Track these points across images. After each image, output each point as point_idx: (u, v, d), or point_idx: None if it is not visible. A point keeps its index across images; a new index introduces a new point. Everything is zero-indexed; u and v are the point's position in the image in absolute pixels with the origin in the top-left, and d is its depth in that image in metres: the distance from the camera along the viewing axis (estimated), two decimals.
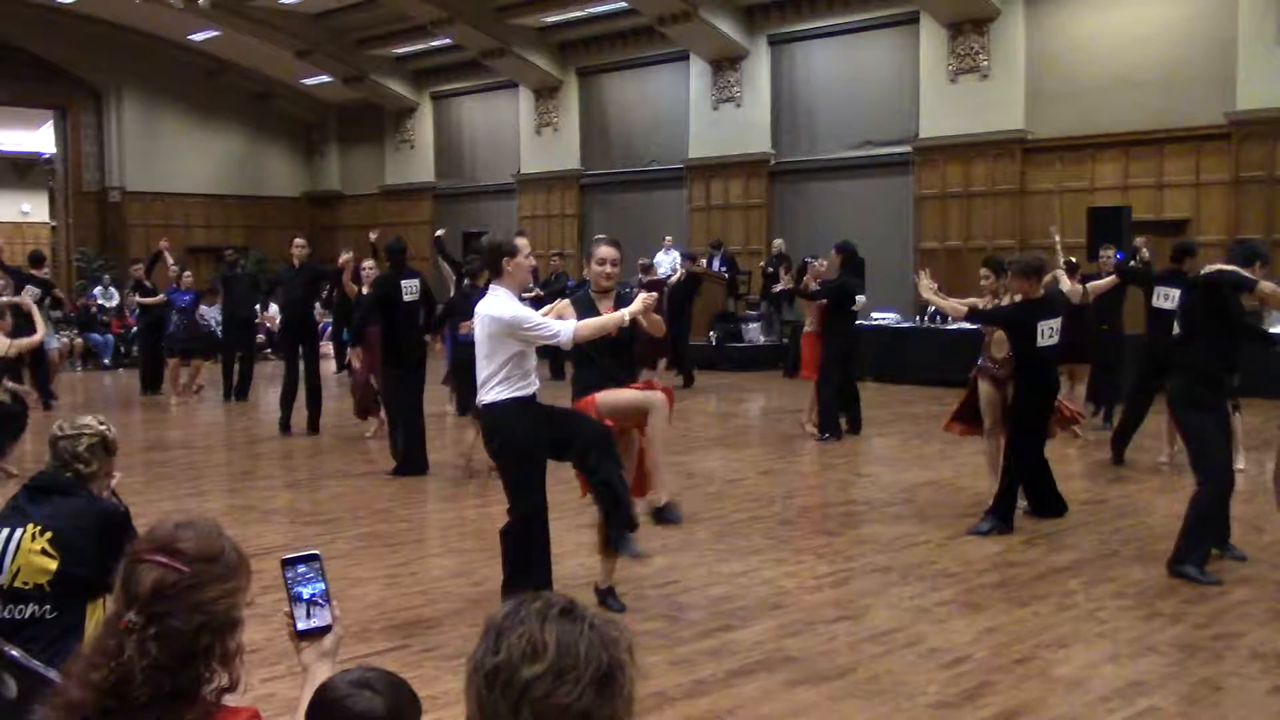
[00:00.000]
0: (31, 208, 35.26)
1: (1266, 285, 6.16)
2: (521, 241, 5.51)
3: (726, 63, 20.64)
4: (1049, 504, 7.76)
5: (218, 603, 2.02)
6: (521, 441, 5.44)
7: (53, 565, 3.51)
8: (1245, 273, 6.25)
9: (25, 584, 3.52)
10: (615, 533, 5.52)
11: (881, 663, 5.03)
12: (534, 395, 5.49)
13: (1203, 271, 6.64)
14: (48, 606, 3.50)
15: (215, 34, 24.56)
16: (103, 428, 3.88)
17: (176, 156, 26.71)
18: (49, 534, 3.55)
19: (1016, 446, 7.41)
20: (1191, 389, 6.28)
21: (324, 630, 2.32)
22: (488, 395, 5.46)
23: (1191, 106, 15.56)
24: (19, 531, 3.57)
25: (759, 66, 20.35)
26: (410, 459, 9.67)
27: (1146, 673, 4.87)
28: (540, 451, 5.50)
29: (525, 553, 5.52)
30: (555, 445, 5.49)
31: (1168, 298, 9.31)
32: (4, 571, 3.53)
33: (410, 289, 9.88)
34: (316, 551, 2.35)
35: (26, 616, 3.49)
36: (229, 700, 2.04)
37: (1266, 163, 15.22)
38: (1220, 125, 15.45)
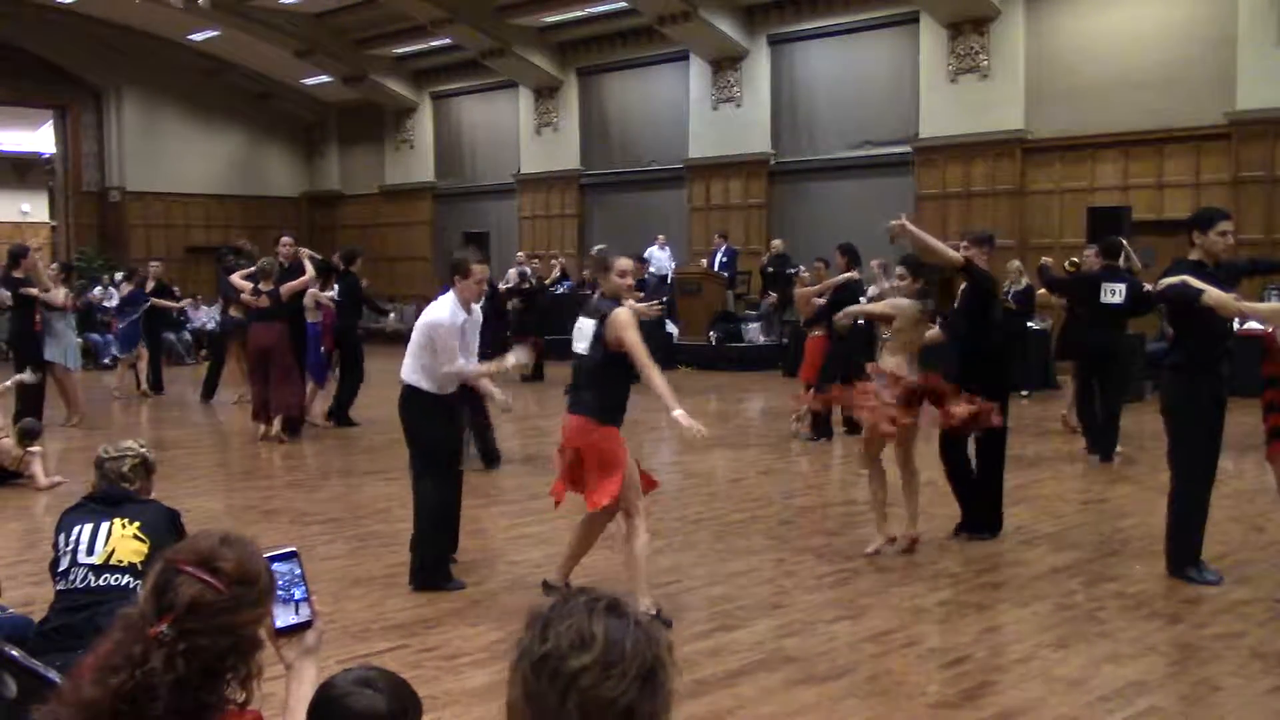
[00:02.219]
0: (31, 208, 35.26)
1: (1211, 296, 5.77)
2: (477, 268, 6.12)
3: (726, 63, 20.63)
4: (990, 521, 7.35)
5: (248, 627, 2.01)
6: (435, 434, 6.25)
7: (145, 548, 4.02)
8: (1194, 283, 5.86)
9: (120, 561, 4.02)
10: (421, 567, 6.20)
11: (881, 663, 5.03)
12: (451, 395, 6.28)
13: (1158, 286, 6.28)
14: (139, 581, 3.84)
15: (215, 34, 24.56)
16: (143, 450, 4.42)
17: (176, 156, 26.70)
18: (137, 523, 4.10)
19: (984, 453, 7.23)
20: (1185, 382, 6.22)
21: (304, 627, 2.31)
22: (409, 376, 6.23)
23: (1191, 106, 15.55)
24: (107, 523, 4.09)
25: (759, 66, 20.34)
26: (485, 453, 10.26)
27: (1146, 673, 4.87)
28: (447, 445, 6.38)
29: (442, 526, 6.29)
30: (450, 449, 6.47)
31: (1114, 292, 9.67)
32: (97, 553, 4.02)
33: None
34: (294, 549, 2.34)
35: (122, 584, 3.96)
36: (234, 710, 2.03)
37: (1266, 163, 15.22)
38: (1220, 125, 15.44)
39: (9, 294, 12.10)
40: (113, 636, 1.97)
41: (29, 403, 11.85)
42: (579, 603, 1.56)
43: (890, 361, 6.83)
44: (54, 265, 15.67)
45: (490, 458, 10.02)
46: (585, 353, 5.59)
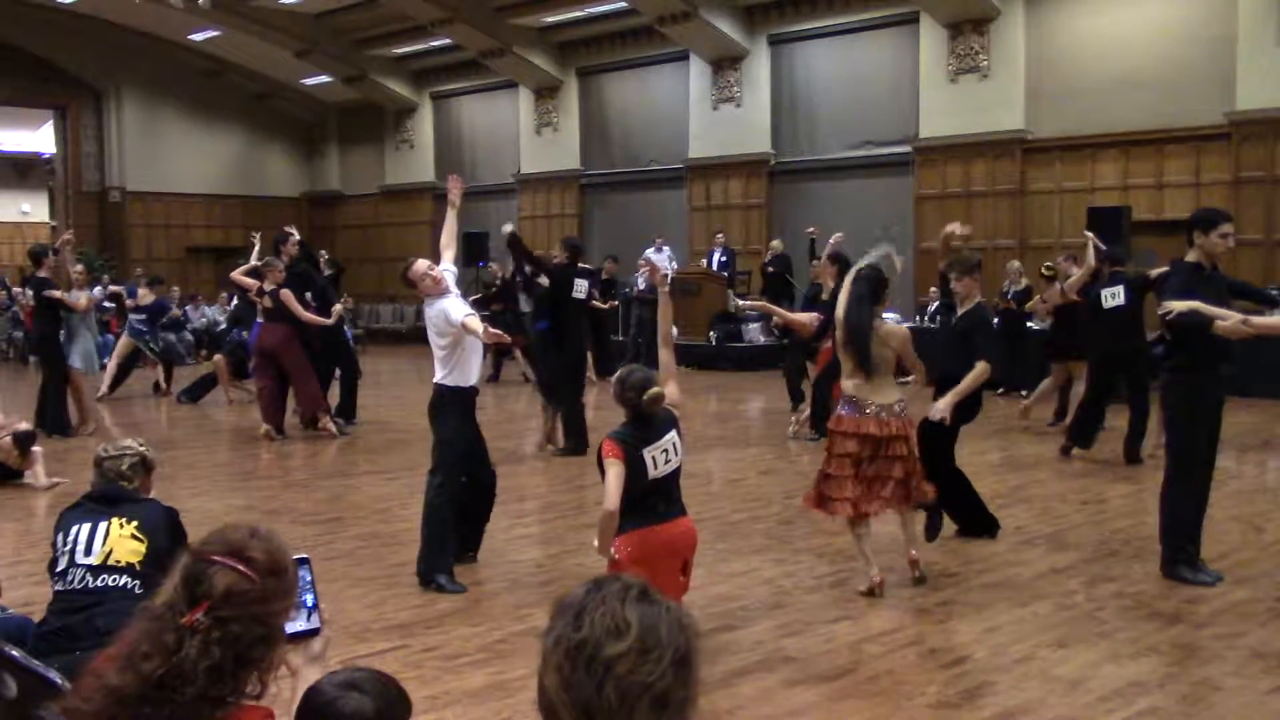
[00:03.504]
0: (31, 208, 35.30)
1: (1221, 327, 5.75)
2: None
3: (726, 63, 20.64)
4: (980, 523, 7.28)
5: (277, 617, 2.05)
6: (455, 428, 6.36)
7: (143, 547, 4.04)
8: (1204, 309, 5.80)
9: (118, 561, 4.02)
10: (422, 565, 6.27)
11: (881, 663, 5.03)
12: (472, 390, 6.45)
13: (1166, 311, 6.02)
14: (137, 581, 3.96)
15: (215, 34, 24.57)
16: (142, 449, 4.39)
17: (176, 156, 26.71)
18: (135, 523, 4.10)
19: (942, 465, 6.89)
20: (1186, 384, 6.21)
21: (312, 634, 2.32)
22: (436, 377, 6.44)
23: (1191, 106, 15.56)
24: (105, 522, 4.09)
25: (759, 66, 20.35)
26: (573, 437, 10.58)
27: (1146, 673, 4.87)
28: (462, 441, 6.45)
29: (448, 523, 6.33)
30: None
31: (1115, 296, 9.80)
32: (95, 553, 4.03)
33: (580, 288, 10.59)
34: (305, 556, 2.35)
35: (121, 585, 3.98)
36: (248, 702, 2.04)
37: (1266, 163, 15.22)
38: (1220, 125, 15.45)
39: (31, 294, 12.08)
40: (138, 627, 2.00)
41: (51, 406, 11.86)
42: (612, 590, 1.56)
43: (848, 384, 6.19)
44: (78, 266, 15.52)
45: (581, 443, 10.45)
46: (679, 462, 5.14)
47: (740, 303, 13.15)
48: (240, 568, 2.00)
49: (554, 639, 1.54)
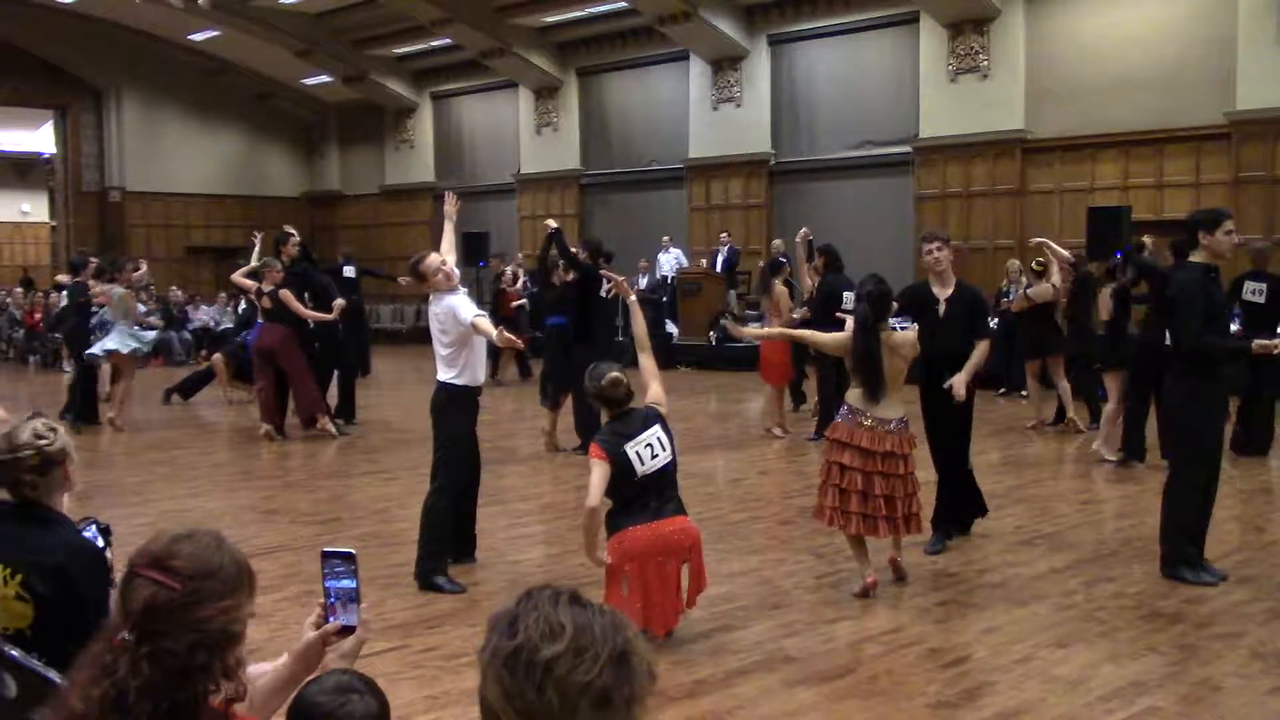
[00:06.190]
0: (31, 208, 35.29)
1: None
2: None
3: (726, 63, 20.63)
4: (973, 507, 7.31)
5: (213, 620, 1.95)
6: (460, 428, 6.43)
7: (29, 610, 3.04)
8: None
9: (5, 629, 3.05)
10: (420, 566, 6.28)
11: (881, 663, 5.03)
12: (477, 390, 6.47)
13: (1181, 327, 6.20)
14: (35, 651, 2.97)
15: (215, 34, 24.58)
16: (42, 442, 3.14)
17: (176, 156, 26.72)
18: (19, 576, 3.05)
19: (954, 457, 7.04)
20: (1189, 384, 6.21)
21: (347, 631, 2.30)
22: (440, 375, 6.43)
23: (1191, 106, 15.56)
24: None
25: (759, 66, 20.34)
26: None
27: (1146, 673, 4.87)
28: (465, 441, 6.53)
29: (447, 525, 6.40)
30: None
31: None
32: None
33: (604, 286, 10.64)
34: (352, 550, 2.34)
35: (15, 658, 2.96)
36: (239, 709, 2.02)
37: (1266, 163, 15.22)
38: (1220, 125, 15.44)
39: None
40: (90, 650, 1.95)
41: (82, 398, 12.00)
42: (543, 596, 1.58)
43: (852, 394, 6.12)
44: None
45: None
46: (670, 458, 5.22)
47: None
48: (159, 578, 1.93)
49: (490, 650, 1.57)
